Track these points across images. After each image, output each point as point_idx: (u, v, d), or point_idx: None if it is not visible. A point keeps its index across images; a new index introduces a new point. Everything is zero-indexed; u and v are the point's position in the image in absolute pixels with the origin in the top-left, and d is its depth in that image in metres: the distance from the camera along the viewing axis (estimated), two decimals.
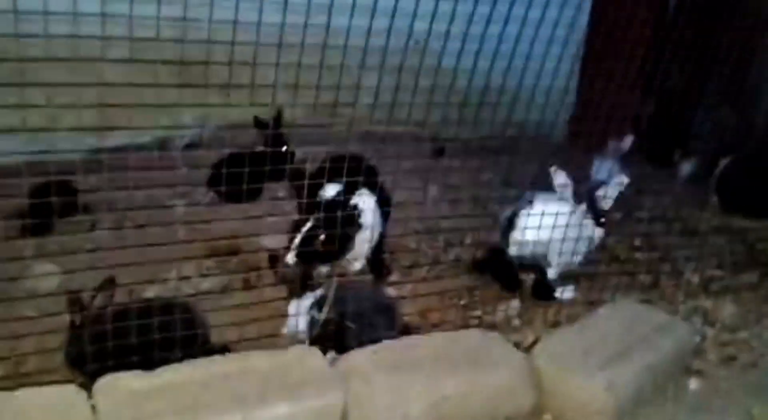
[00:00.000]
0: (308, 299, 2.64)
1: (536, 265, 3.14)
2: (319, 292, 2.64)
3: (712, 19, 3.07)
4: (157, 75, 2.08)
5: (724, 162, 4.58)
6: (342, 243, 2.89)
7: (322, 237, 2.84)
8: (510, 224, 3.13)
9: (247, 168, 2.51)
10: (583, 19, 2.95)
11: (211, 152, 3.91)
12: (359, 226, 2.98)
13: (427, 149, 4.38)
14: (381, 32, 2.40)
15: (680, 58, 3.17)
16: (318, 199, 2.95)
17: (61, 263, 2.92)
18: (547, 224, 2.98)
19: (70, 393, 2.04)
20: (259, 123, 3.86)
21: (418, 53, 2.57)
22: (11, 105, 2.20)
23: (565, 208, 3.05)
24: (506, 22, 2.59)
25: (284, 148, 3.86)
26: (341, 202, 2.88)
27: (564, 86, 3.05)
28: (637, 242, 3.87)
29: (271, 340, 2.61)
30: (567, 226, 2.99)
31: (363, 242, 3.06)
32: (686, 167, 4.80)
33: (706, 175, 4.66)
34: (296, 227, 2.91)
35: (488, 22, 2.55)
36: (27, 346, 2.43)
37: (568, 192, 3.18)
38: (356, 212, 2.95)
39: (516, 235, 3.09)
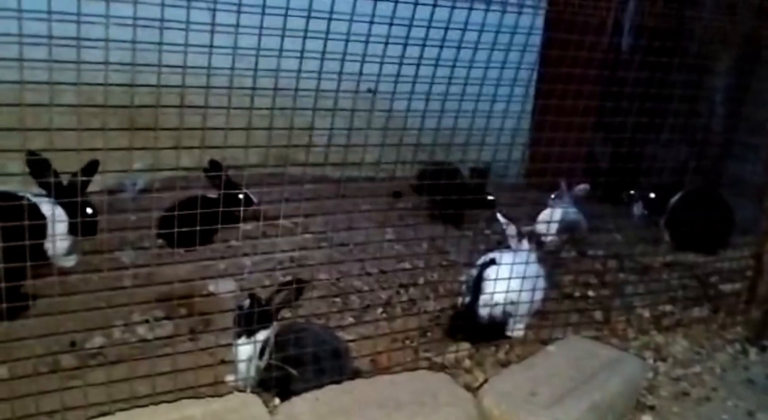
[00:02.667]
0: (251, 343, 2.58)
1: (504, 320, 3.12)
2: (261, 335, 2.57)
3: (664, 58, 3.16)
4: (106, 122, 2.06)
5: (674, 199, 4.65)
6: None
7: None
8: (477, 287, 3.12)
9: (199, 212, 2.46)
10: (532, 58, 3.00)
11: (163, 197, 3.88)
12: None
13: (384, 191, 4.40)
14: (332, 76, 2.43)
15: (630, 96, 3.27)
16: None
17: None
18: (513, 283, 3.00)
19: None
20: (214, 164, 3.84)
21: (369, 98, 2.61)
22: None
23: (523, 256, 3.08)
24: (454, 64, 2.65)
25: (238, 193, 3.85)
26: None
27: (515, 126, 3.09)
28: (590, 280, 3.88)
29: (212, 389, 2.55)
30: (528, 276, 3.03)
31: None
32: (639, 205, 4.88)
33: (659, 212, 4.72)
34: None
35: (436, 64, 2.61)
36: None
37: (512, 230, 3.28)
38: None
39: (486, 299, 3.07)
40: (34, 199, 2.96)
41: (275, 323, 2.59)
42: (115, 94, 2.14)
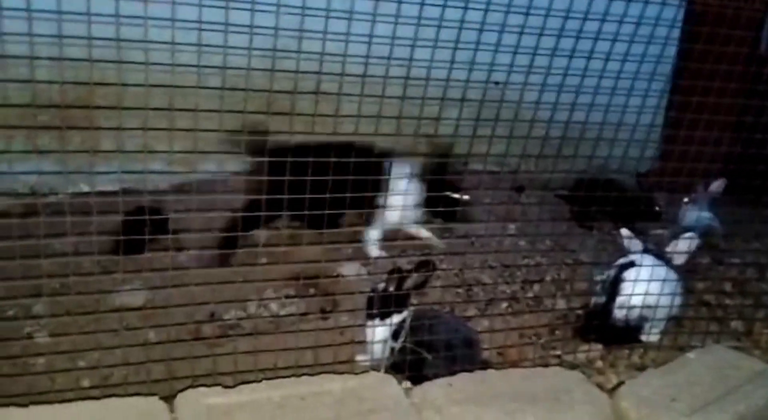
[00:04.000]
0: (385, 326, 2.62)
1: (640, 324, 3.02)
2: (396, 318, 2.61)
3: None
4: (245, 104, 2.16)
5: None
6: None
7: None
8: (615, 288, 3.03)
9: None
10: (671, 52, 2.86)
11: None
12: None
13: (507, 185, 4.35)
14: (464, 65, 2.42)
15: None
16: None
17: (148, 281, 3.04)
18: (652, 287, 2.90)
19: (153, 405, 2.09)
20: None
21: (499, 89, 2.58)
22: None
23: (663, 270, 2.99)
24: (589, 57, 2.57)
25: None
26: None
27: (650, 122, 2.97)
28: (728, 288, 3.67)
29: (346, 366, 2.61)
30: (667, 280, 2.94)
31: None
32: None
33: None
34: None
35: (571, 56, 2.54)
36: (112, 359, 2.53)
37: (636, 243, 3.20)
38: None
39: (623, 300, 2.98)
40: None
41: (410, 308, 2.62)
42: (254, 77, 2.21)
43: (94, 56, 1.93)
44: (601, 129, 2.80)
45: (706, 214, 4.22)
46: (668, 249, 3.15)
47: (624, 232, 3.24)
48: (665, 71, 2.84)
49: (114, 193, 2.38)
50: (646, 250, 3.16)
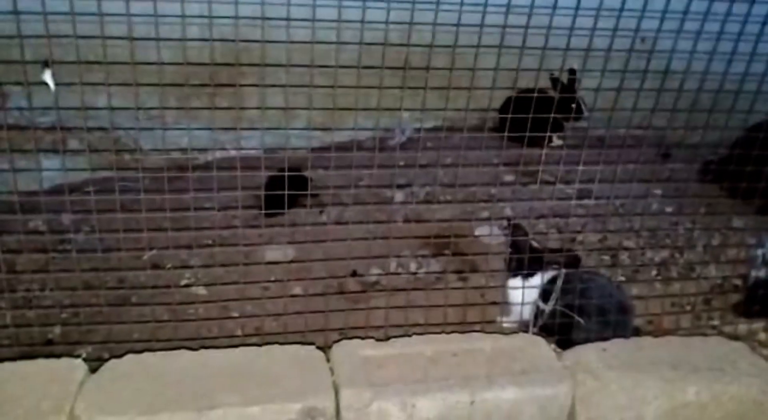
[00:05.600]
0: (534, 287, 2.56)
1: None
2: (546, 278, 2.54)
3: None
4: (382, 78, 2.12)
5: None
6: None
7: None
8: None
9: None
10: None
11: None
12: None
13: (652, 152, 4.10)
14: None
15: None
16: None
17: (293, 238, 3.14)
18: None
19: (312, 353, 2.15)
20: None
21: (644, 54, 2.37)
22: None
23: None
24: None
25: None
26: None
27: None
28: None
29: (491, 327, 2.58)
30: None
31: None
32: None
33: None
34: None
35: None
36: (261, 310, 2.63)
37: None
38: None
39: None
40: None
41: (562, 270, 2.53)
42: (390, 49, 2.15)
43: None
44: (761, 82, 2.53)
45: None
46: None
47: None
48: None
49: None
50: None
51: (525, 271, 2.54)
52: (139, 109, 2.09)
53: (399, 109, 2.28)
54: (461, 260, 3.24)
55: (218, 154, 3.52)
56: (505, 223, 2.88)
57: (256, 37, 2.01)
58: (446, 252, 3.31)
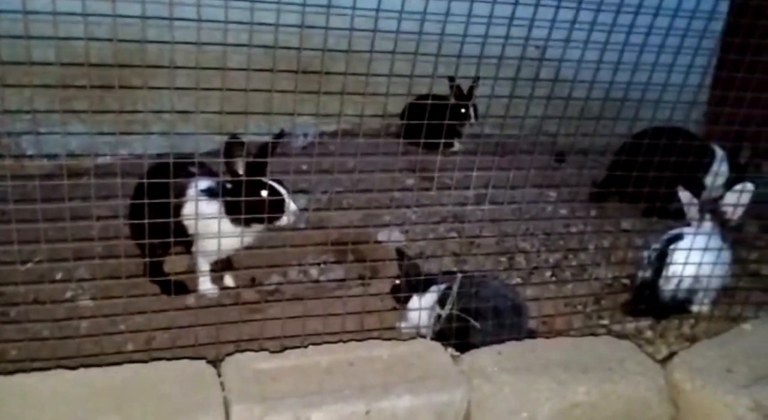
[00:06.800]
0: (431, 293, 2.57)
1: (688, 297, 2.93)
2: (442, 285, 2.56)
3: None
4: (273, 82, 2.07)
5: None
6: None
7: None
8: (662, 261, 2.92)
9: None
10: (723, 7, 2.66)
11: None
12: None
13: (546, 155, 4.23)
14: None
15: None
16: None
17: None
18: (699, 258, 2.79)
19: (201, 368, 2.06)
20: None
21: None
22: None
23: (716, 242, 2.88)
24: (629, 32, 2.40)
25: None
26: None
27: (698, 83, 2.80)
28: None
29: (390, 333, 2.57)
30: (714, 250, 2.81)
31: None
32: None
33: None
34: None
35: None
36: (154, 323, 2.51)
37: (694, 210, 3.04)
38: None
39: (673, 271, 2.87)
40: None
41: (457, 274, 2.55)
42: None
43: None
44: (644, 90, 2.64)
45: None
46: (723, 202, 3.00)
47: (684, 195, 3.08)
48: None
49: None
50: (702, 213, 3.02)
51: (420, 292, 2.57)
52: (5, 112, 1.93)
53: (293, 114, 2.21)
54: (363, 266, 3.22)
55: (99, 160, 3.35)
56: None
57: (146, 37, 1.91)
58: (349, 258, 3.28)
